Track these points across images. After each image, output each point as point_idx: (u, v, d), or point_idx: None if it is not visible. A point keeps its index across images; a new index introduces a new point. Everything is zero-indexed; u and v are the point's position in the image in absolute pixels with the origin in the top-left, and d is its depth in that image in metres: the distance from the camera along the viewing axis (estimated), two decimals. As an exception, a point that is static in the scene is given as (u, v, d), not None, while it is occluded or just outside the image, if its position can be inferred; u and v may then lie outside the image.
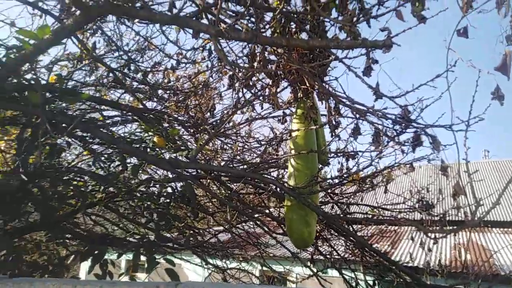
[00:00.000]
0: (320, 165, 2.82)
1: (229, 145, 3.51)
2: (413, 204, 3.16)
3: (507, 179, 15.01)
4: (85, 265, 11.29)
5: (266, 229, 3.48)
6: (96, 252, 3.27)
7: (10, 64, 2.15)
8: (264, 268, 4.74)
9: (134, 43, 4.04)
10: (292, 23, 2.44)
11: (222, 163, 3.53)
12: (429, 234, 2.14)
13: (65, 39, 2.36)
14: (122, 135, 3.66)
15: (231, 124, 3.55)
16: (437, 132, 2.27)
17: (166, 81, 4.17)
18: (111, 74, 3.76)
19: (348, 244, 3.20)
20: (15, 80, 2.53)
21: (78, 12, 1.89)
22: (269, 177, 2.91)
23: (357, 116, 2.26)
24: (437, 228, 2.66)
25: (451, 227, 2.13)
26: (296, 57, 2.20)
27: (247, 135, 3.55)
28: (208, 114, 3.87)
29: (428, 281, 3.42)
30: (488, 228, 12.02)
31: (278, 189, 2.71)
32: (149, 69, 4.03)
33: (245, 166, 3.43)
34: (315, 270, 3.62)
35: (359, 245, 2.92)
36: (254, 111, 3.13)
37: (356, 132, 2.44)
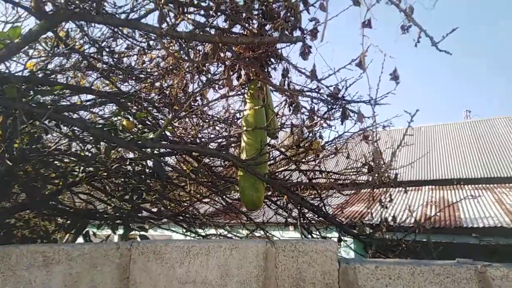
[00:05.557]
0: (270, 138, 3.20)
1: (190, 125, 3.82)
2: (358, 168, 3.58)
3: (480, 139, 15.65)
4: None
5: (228, 201, 3.89)
6: (78, 224, 3.67)
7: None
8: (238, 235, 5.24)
9: (105, 30, 4.27)
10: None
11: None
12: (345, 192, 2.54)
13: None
14: (97, 118, 3.98)
15: (196, 103, 3.87)
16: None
17: (140, 62, 4.42)
18: (85, 61, 4.01)
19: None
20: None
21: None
22: (224, 153, 3.28)
23: (293, 96, 2.62)
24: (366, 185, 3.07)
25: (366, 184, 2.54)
26: (238, 49, 2.53)
27: (206, 115, 3.86)
28: (182, 93, 4.16)
29: (384, 235, 3.90)
30: (461, 185, 12.70)
31: (231, 163, 3.07)
32: (121, 54, 4.26)
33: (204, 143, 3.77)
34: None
35: (297, 204, 3.34)
36: (215, 91, 3.47)
37: (296, 109, 2.82)
